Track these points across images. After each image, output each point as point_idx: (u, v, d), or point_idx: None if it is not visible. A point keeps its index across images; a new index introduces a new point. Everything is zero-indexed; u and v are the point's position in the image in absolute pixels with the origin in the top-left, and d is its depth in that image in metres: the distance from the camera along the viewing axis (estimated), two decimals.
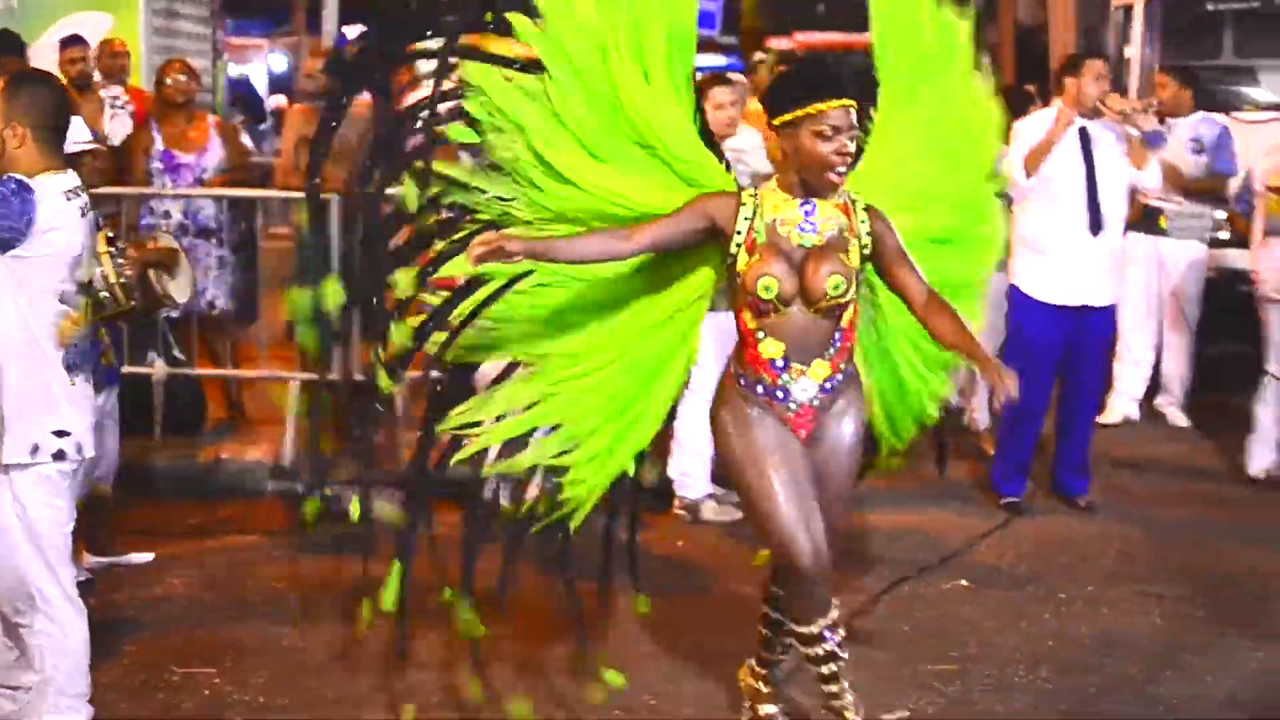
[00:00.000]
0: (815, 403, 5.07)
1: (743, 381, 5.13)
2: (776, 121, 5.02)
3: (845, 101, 4.93)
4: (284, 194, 9.77)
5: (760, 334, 5.04)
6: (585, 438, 5.22)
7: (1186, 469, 9.54)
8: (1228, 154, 10.36)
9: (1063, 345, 8.43)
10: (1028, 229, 8.37)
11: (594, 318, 5.29)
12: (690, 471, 8.24)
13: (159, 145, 9.61)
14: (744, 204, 5.02)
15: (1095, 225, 8.24)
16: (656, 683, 6.07)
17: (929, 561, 7.52)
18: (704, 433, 7.88)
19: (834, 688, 5.17)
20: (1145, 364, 10.62)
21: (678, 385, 5.32)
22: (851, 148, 4.97)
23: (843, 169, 4.96)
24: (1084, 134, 8.30)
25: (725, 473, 5.66)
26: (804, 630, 5.10)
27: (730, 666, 5.71)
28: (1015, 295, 8.55)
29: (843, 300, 4.98)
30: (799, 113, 4.92)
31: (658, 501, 8.09)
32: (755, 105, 10.08)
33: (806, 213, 5.00)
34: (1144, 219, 10.28)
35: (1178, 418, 10.58)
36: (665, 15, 5.21)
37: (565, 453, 5.23)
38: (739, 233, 4.99)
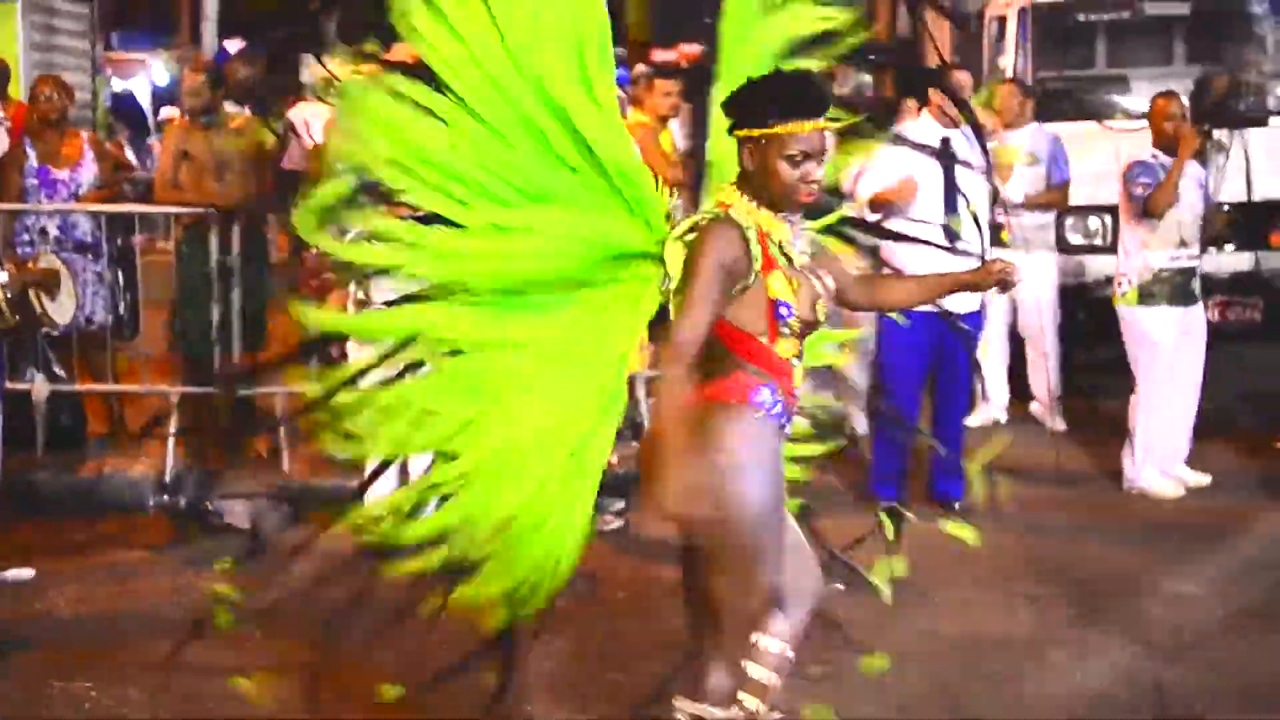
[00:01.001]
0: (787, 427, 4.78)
1: (751, 392, 4.62)
2: (741, 134, 4.65)
3: (819, 123, 4.60)
4: (160, 209, 9.79)
5: (788, 360, 4.66)
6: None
7: (1059, 473, 9.69)
8: (1063, 162, 10.61)
9: (930, 352, 8.59)
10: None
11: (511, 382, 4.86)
12: None
13: (33, 161, 9.59)
14: (745, 227, 4.60)
15: (953, 234, 8.38)
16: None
17: None
18: None
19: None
20: (1000, 370, 10.84)
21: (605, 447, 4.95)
22: (821, 175, 4.67)
23: (809, 197, 4.67)
24: (944, 144, 8.48)
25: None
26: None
27: (614, 670, 5.77)
28: None
29: (818, 324, 4.79)
30: (766, 132, 4.59)
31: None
32: (636, 116, 10.23)
33: (793, 229, 4.73)
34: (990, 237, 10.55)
35: (1052, 423, 10.77)
36: (579, 18, 4.84)
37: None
38: (755, 258, 4.58)
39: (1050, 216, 10.93)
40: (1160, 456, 9.29)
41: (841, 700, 6.09)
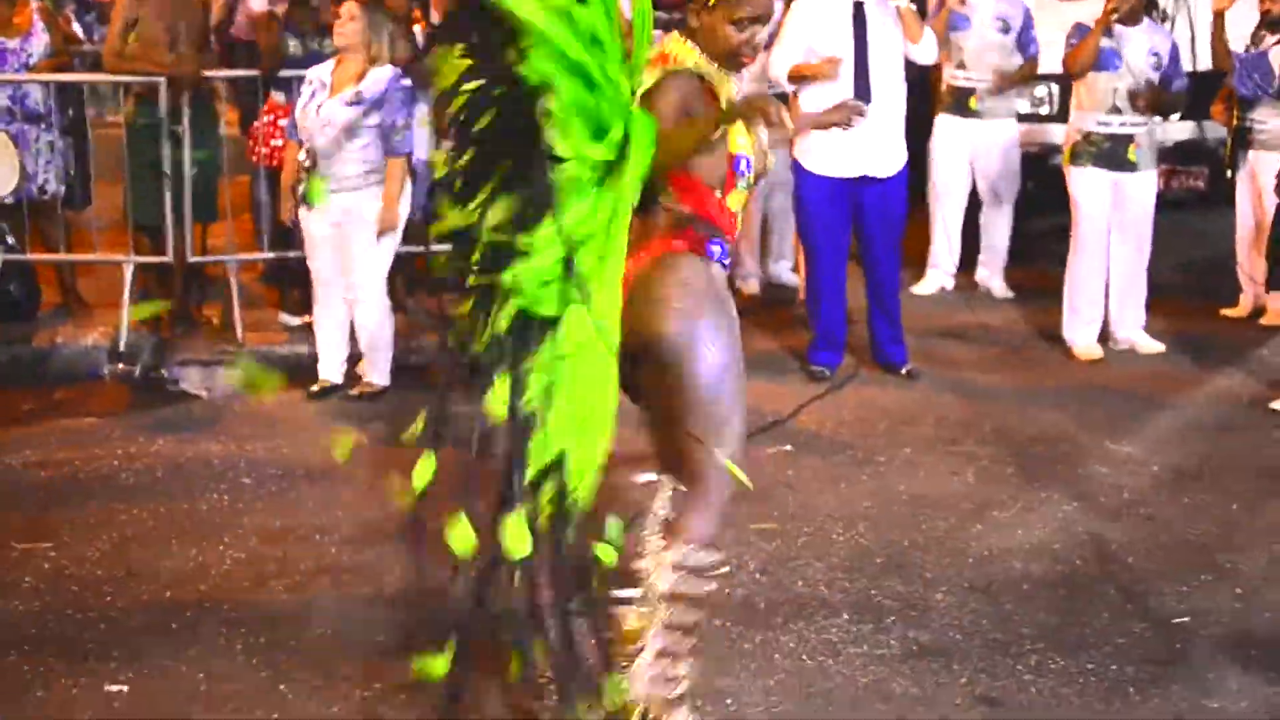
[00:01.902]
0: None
1: (707, 236, 4.58)
2: None
3: None
4: (109, 78, 9.76)
5: (713, 182, 4.58)
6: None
7: (1006, 338, 9.84)
8: (1031, 34, 10.65)
9: (847, 217, 8.69)
10: (804, 105, 8.58)
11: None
12: None
13: None
14: (705, 77, 4.60)
15: (863, 97, 8.41)
16: None
17: (751, 428, 7.71)
18: None
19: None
20: (955, 238, 10.93)
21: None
22: (763, 40, 4.71)
23: (751, 60, 4.70)
24: (858, 9, 8.53)
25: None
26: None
27: None
28: (797, 170, 8.85)
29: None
30: None
31: None
32: None
33: (737, 87, 4.76)
34: (955, 102, 10.64)
35: (999, 289, 10.88)
36: None
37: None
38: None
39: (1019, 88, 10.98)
40: (1092, 318, 9.43)
41: (794, 554, 6.24)
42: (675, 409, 4.52)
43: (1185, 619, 5.79)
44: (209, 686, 5.08)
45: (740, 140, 4.61)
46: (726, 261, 4.68)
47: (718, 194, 4.60)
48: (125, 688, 5.06)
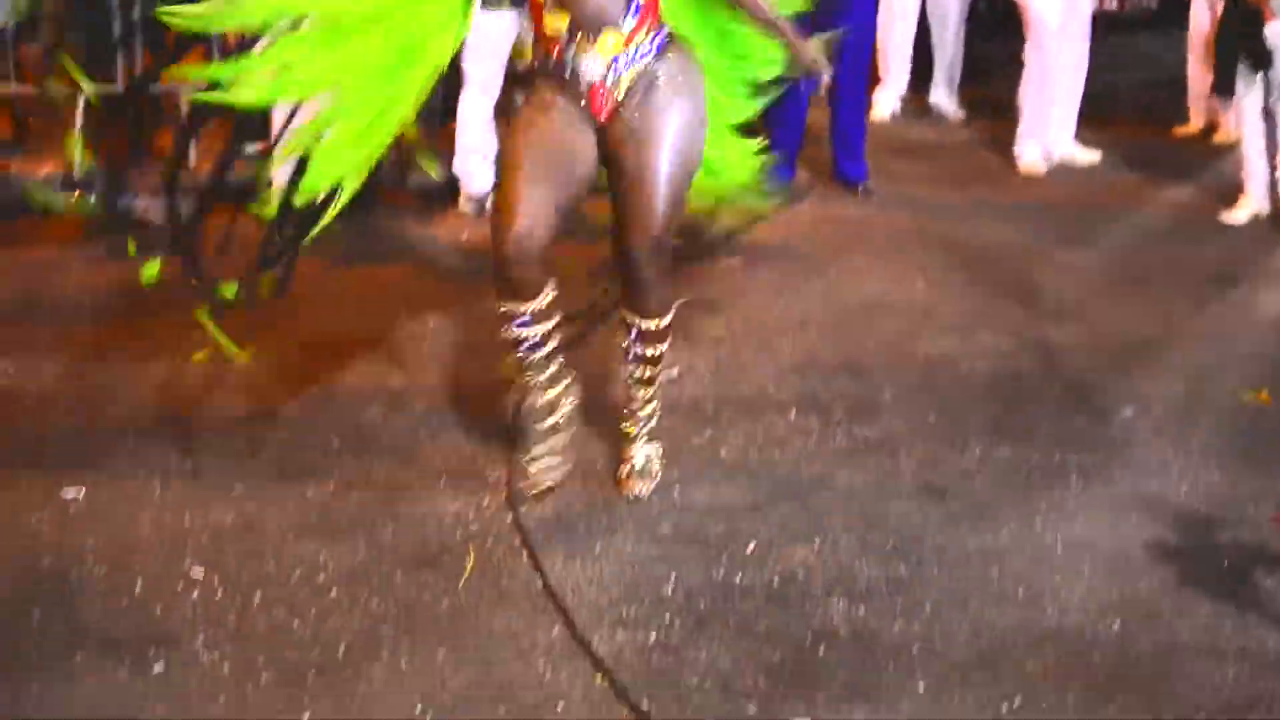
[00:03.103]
0: (608, 81, 4.72)
1: (536, 63, 4.83)
2: None
3: None
4: None
5: (546, 4, 4.72)
6: (343, 115, 4.81)
7: (957, 156, 9.89)
8: None
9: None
10: None
11: None
12: (472, 167, 8.38)
13: None
14: None
15: None
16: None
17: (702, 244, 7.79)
18: (484, 127, 8.11)
19: (535, 378, 5.00)
20: (906, 59, 10.91)
21: (436, 66, 4.90)
22: None
23: None
24: None
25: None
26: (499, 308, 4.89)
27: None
28: None
29: None
30: None
31: (445, 197, 8.32)
32: None
33: None
34: None
35: (951, 109, 10.91)
36: None
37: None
38: None
39: None
40: (1043, 134, 9.47)
41: (744, 359, 6.32)
42: None
43: (1128, 411, 5.91)
44: (163, 492, 5.14)
45: None
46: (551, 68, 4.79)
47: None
48: (81, 490, 5.11)
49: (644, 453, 5.21)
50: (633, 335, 5.01)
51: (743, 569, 4.62)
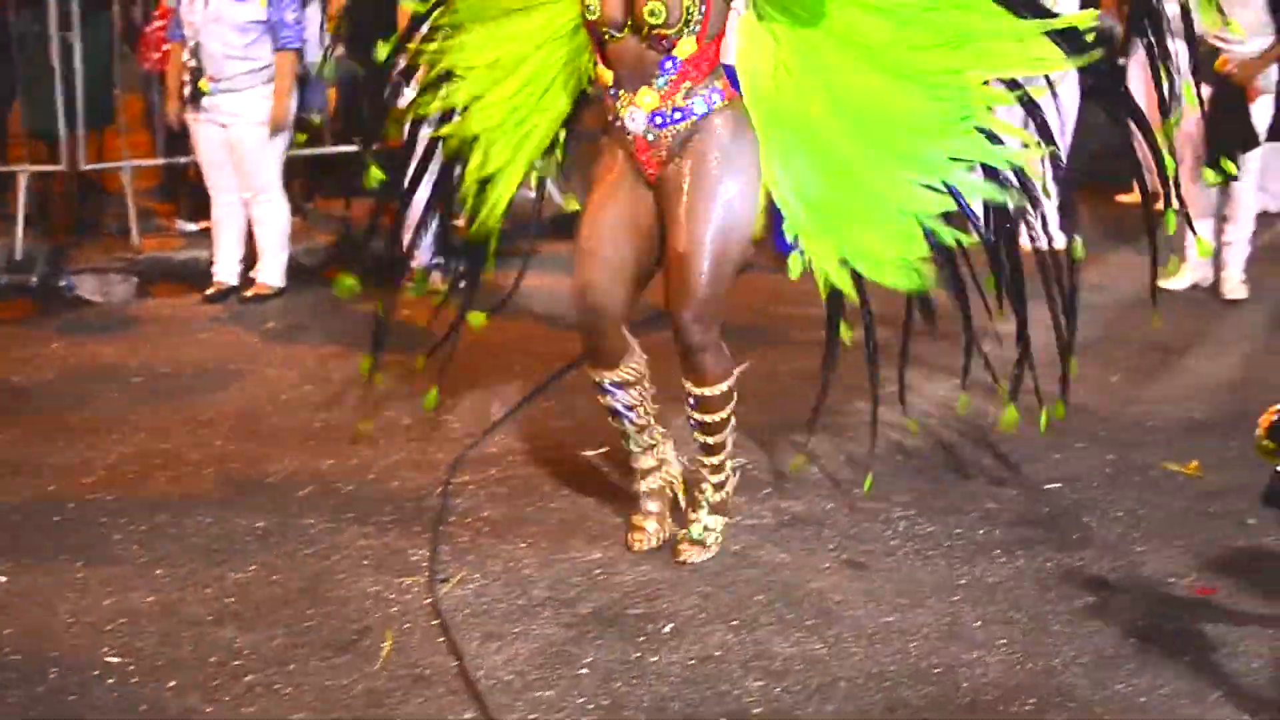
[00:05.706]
0: (650, 136, 4.88)
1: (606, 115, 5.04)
2: None
3: None
4: None
5: (599, 61, 4.93)
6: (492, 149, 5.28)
7: None
8: None
9: None
10: None
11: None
12: None
13: None
14: None
15: None
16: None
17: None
18: None
19: (629, 445, 5.29)
20: None
21: (570, 100, 5.27)
22: None
23: None
24: None
25: None
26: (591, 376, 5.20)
27: None
28: None
29: (665, 30, 4.76)
30: None
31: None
32: None
33: None
34: None
35: None
36: None
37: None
38: None
39: None
40: None
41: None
42: None
43: (1057, 484, 5.92)
44: (87, 573, 5.12)
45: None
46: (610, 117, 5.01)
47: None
48: (3, 578, 5.09)
49: (704, 523, 5.28)
50: (691, 403, 5.15)
51: (660, 650, 4.61)
